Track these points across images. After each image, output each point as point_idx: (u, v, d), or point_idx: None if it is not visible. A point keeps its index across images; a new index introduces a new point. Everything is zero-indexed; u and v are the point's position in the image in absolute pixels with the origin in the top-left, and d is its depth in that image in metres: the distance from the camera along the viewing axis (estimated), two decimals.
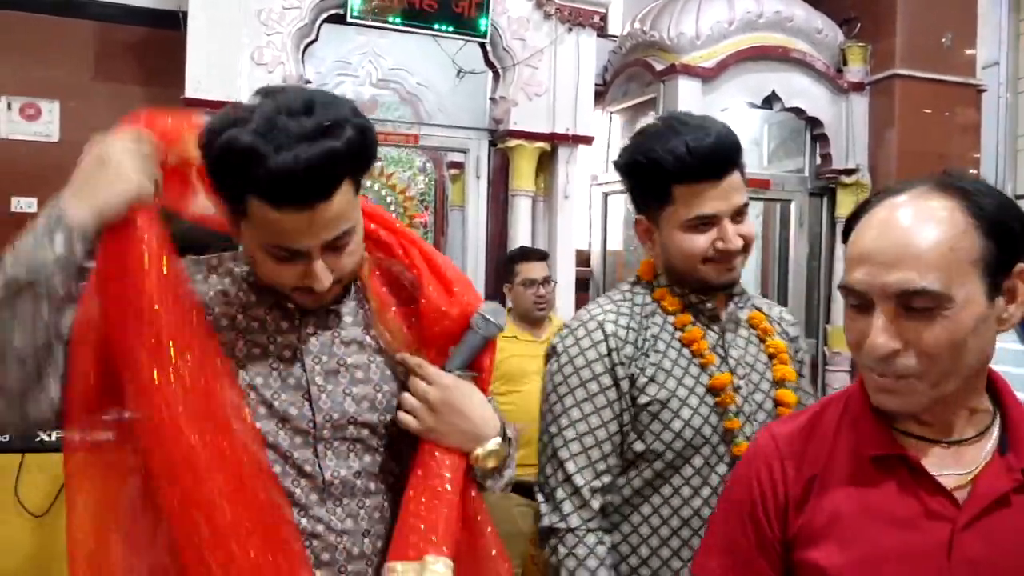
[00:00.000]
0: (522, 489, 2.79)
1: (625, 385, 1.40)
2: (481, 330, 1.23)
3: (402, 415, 1.20)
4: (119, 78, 4.29)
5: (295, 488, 1.16)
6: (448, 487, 1.17)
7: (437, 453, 1.19)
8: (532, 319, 3.29)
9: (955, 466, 0.95)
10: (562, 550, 1.37)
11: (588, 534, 1.37)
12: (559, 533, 1.38)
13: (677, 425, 1.38)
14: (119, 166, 1.06)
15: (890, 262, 0.89)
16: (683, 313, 1.46)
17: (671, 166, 1.35)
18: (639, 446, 1.40)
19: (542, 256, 3.42)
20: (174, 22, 3.76)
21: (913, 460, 0.95)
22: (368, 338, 1.24)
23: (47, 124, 4.20)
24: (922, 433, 0.97)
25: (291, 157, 1.02)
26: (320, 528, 1.16)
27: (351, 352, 1.22)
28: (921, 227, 0.90)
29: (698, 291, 1.46)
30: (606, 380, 1.39)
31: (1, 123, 4.13)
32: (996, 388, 1.00)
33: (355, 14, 3.69)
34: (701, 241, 1.38)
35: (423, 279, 1.24)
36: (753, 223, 1.47)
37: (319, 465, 1.17)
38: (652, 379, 1.40)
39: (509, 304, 3.41)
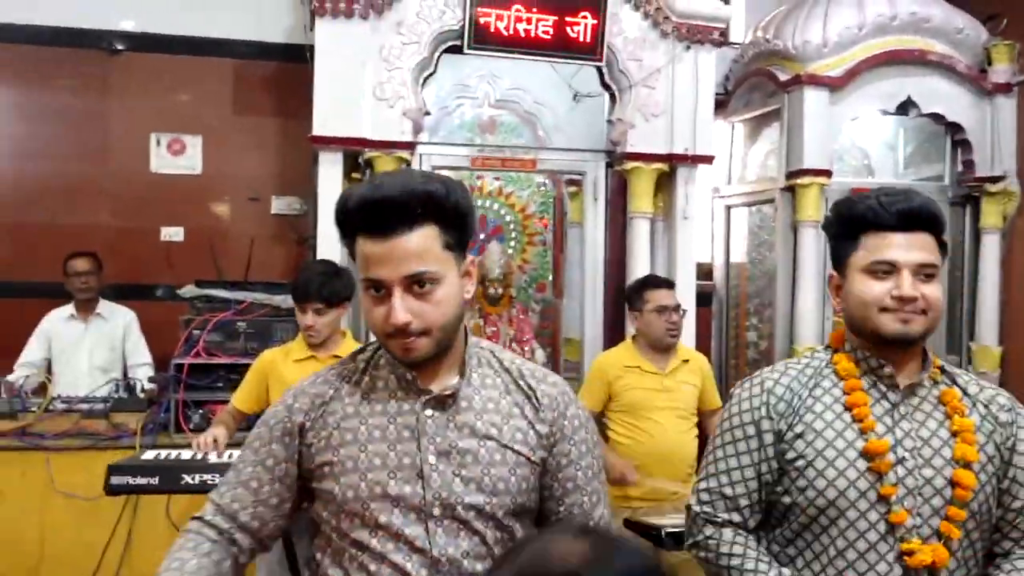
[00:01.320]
0: (639, 528, 2.79)
1: (769, 438, 1.47)
2: None
3: None
4: (255, 111, 4.56)
5: (407, 563, 1.24)
6: None
7: None
8: (663, 346, 3.25)
9: None
10: (702, 554, 1.53)
11: (708, 538, 1.52)
12: (694, 547, 1.54)
13: (820, 484, 1.42)
14: None
15: None
16: (857, 378, 1.49)
17: (861, 213, 1.45)
18: (786, 499, 1.46)
19: (671, 284, 3.38)
20: (303, 56, 3.94)
21: None
22: (479, 424, 1.30)
23: (191, 158, 4.51)
24: None
25: (374, 190, 1.25)
26: None
27: (463, 436, 1.29)
28: None
29: (878, 350, 1.47)
30: (751, 430, 1.49)
31: (152, 158, 4.47)
32: None
33: (472, 45, 3.75)
34: (878, 288, 1.43)
35: None
36: (940, 291, 1.46)
37: (429, 541, 1.24)
38: (800, 436, 1.45)
39: (632, 331, 3.40)
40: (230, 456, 2.41)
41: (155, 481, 2.15)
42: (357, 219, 1.24)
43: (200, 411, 3.31)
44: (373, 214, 1.22)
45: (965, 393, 1.50)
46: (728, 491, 1.50)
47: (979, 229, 4.49)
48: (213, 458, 2.26)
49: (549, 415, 1.34)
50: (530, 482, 1.32)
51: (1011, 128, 4.39)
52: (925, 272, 1.42)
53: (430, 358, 1.29)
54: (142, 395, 3.49)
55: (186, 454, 2.34)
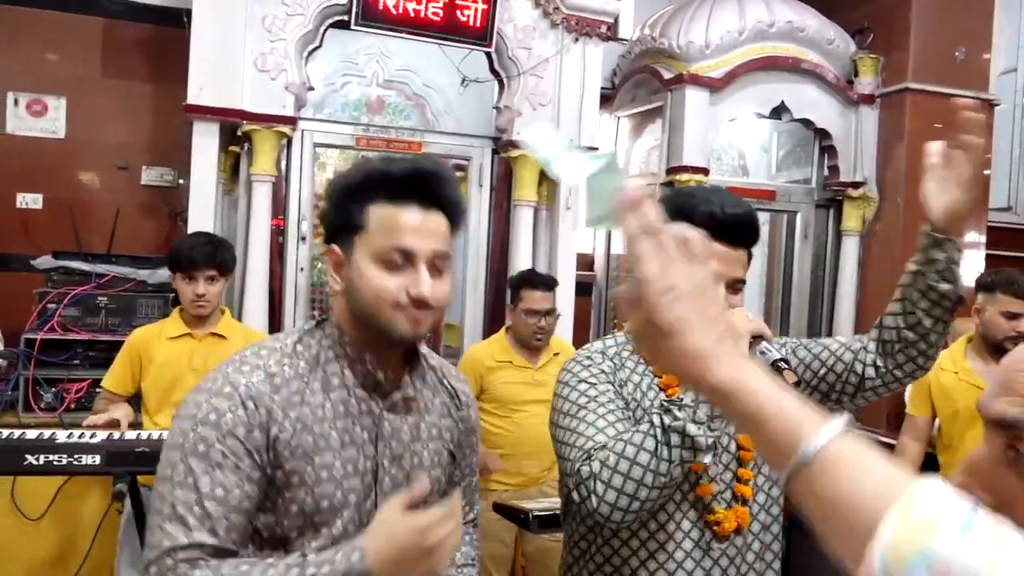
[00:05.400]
0: (507, 511, 2.83)
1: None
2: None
3: None
4: (127, 75, 4.30)
5: None
6: None
7: None
8: (529, 347, 3.27)
9: None
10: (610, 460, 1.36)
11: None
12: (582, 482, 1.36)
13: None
14: None
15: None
16: None
17: (707, 213, 1.43)
18: None
19: (550, 286, 3.29)
20: (181, 20, 3.75)
21: None
22: (423, 426, 1.31)
23: (53, 120, 4.22)
24: None
25: (425, 160, 1.27)
26: None
27: (414, 439, 1.29)
28: None
29: None
30: (602, 378, 1.49)
31: (8, 119, 4.15)
32: None
33: (360, 21, 3.67)
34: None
35: None
36: (743, 303, 1.53)
37: None
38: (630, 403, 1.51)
39: (508, 324, 3.41)
40: (110, 436, 2.27)
41: None
42: (403, 184, 1.20)
43: (53, 389, 3.12)
44: (424, 184, 1.20)
45: None
46: (610, 430, 1.41)
47: (841, 231, 4.76)
48: (61, 438, 2.12)
49: (466, 413, 1.42)
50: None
51: (872, 137, 4.66)
52: (735, 286, 1.48)
53: (413, 344, 1.27)
54: None
55: (31, 434, 2.19)
